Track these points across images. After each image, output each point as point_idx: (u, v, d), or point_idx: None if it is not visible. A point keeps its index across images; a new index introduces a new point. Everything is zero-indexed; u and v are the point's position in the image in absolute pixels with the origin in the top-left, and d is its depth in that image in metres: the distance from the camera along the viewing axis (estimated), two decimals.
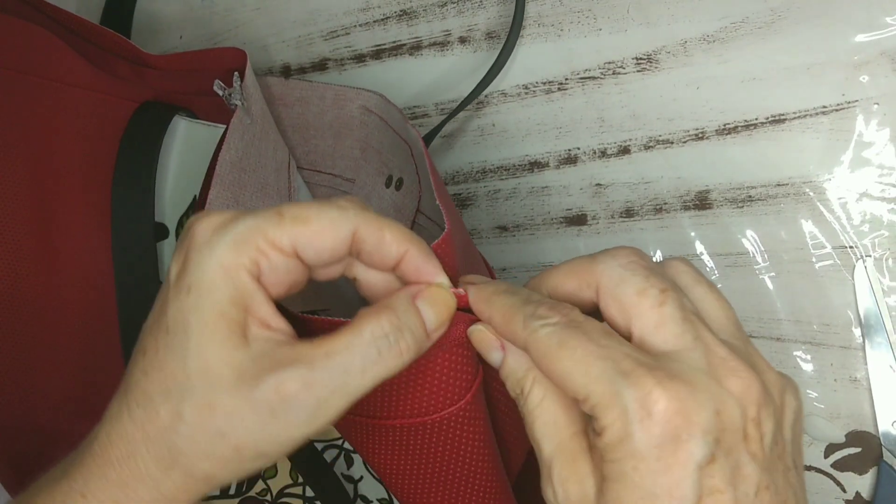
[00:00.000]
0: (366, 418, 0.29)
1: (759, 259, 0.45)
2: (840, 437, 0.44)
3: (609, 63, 0.47)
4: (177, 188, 0.41)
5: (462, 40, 0.50)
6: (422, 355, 0.27)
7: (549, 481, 0.24)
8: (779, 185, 0.44)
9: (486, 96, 0.50)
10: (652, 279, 0.24)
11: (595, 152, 0.48)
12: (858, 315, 0.43)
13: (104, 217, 0.40)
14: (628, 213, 0.47)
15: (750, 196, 0.45)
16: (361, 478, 0.43)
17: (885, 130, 0.42)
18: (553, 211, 0.49)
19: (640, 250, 0.25)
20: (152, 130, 0.41)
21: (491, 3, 0.49)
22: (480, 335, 0.26)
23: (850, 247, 0.43)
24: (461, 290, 0.27)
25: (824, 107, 0.43)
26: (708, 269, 0.46)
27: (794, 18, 0.43)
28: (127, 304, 0.39)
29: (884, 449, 0.42)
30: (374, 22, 0.52)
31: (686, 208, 0.46)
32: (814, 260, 0.44)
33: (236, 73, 0.36)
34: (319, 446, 0.43)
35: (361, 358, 0.23)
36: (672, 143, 0.46)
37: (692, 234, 0.46)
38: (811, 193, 0.43)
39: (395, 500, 0.43)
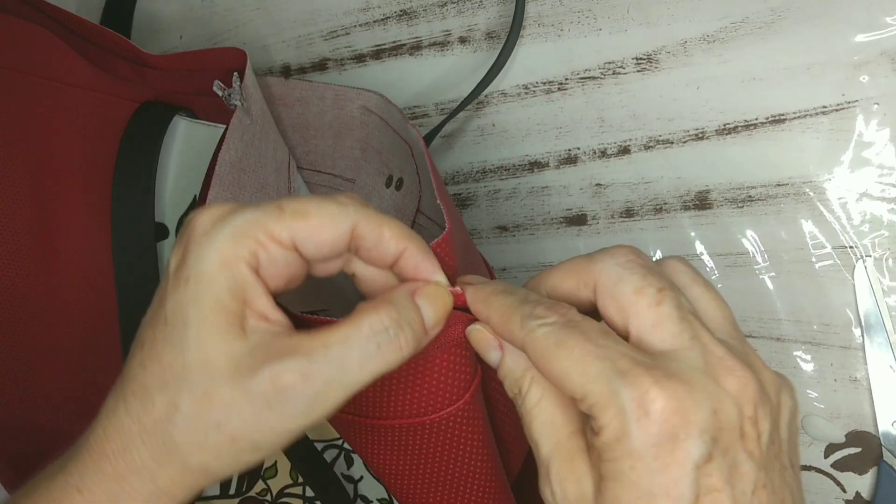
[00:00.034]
0: (365, 418, 0.29)
1: (759, 259, 0.45)
2: (840, 437, 0.44)
3: (609, 63, 0.47)
4: (177, 188, 0.41)
5: (462, 40, 0.50)
6: (421, 355, 0.27)
7: (548, 481, 0.24)
8: (779, 185, 0.44)
9: (486, 96, 0.50)
10: (649, 278, 0.24)
11: (595, 152, 0.48)
12: (858, 315, 0.43)
13: (104, 217, 0.40)
14: (628, 213, 0.47)
15: (750, 196, 0.45)
16: (361, 478, 0.43)
17: (885, 130, 0.42)
18: (553, 211, 0.49)
19: (638, 249, 0.25)
20: (152, 130, 0.41)
21: (491, 3, 0.49)
22: (479, 335, 0.27)
23: (850, 247, 0.43)
24: (458, 289, 0.27)
25: (824, 107, 0.43)
26: (708, 269, 0.46)
27: (794, 18, 0.43)
28: (127, 304, 0.39)
29: (884, 449, 0.42)
30: (374, 22, 0.52)
31: (686, 208, 0.46)
32: (814, 260, 0.44)
33: (236, 73, 0.36)
34: (319, 446, 0.43)
35: (360, 351, 0.23)
36: (672, 143, 0.46)
37: (692, 234, 0.46)
38: (811, 193, 0.43)
39: (394, 501, 0.43)
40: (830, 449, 0.44)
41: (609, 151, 0.48)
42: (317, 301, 0.34)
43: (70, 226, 0.40)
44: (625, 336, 0.24)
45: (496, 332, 0.26)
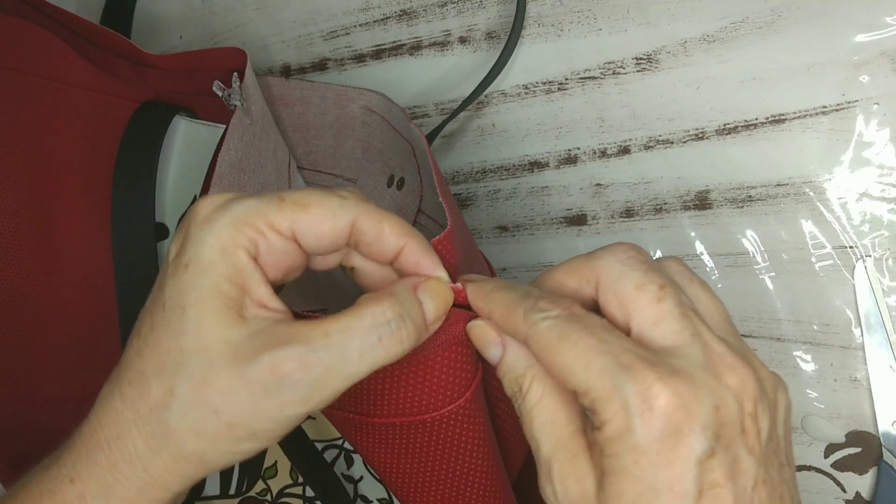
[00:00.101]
0: (365, 417, 0.29)
1: (759, 259, 0.45)
2: (840, 437, 0.44)
3: (609, 63, 0.47)
4: (177, 188, 0.41)
5: (462, 40, 0.50)
6: (422, 353, 0.27)
7: (549, 480, 0.24)
8: (779, 185, 0.44)
9: (486, 96, 0.50)
10: (651, 274, 0.24)
11: (595, 152, 0.48)
12: (858, 315, 0.43)
13: (104, 217, 0.40)
14: (628, 213, 0.48)
15: (750, 196, 0.45)
16: (361, 478, 0.43)
17: (885, 130, 0.42)
18: (553, 211, 0.49)
19: (639, 246, 0.25)
20: (152, 130, 0.41)
21: (491, 3, 0.49)
22: (480, 330, 0.26)
23: (850, 247, 0.43)
24: (459, 286, 0.27)
25: (824, 107, 0.43)
26: (708, 269, 0.46)
27: (794, 18, 0.43)
28: (127, 305, 0.39)
29: (884, 449, 0.42)
30: (374, 22, 0.52)
31: (686, 208, 0.46)
32: (814, 260, 0.44)
33: (235, 73, 0.36)
34: (320, 446, 0.43)
35: (360, 341, 0.23)
36: (672, 143, 0.46)
37: (692, 234, 0.46)
38: (811, 193, 0.43)
39: (395, 500, 0.43)
40: (830, 449, 0.44)
41: (609, 151, 0.48)
42: (317, 300, 0.34)
43: (70, 226, 0.40)
44: (626, 332, 0.24)
45: (498, 328, 0.26)
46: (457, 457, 0.30)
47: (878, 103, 0.42)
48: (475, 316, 0.27)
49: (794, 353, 0.44)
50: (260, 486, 0.43)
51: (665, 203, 0.47)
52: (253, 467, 0.43)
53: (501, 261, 0.51)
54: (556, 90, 0.48)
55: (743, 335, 0.44)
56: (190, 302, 0.23)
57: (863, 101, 0.42)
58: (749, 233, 0.45)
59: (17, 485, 0.25)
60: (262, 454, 0.43)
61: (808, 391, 0.44)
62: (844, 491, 0.44)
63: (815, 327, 0.44)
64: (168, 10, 0.58)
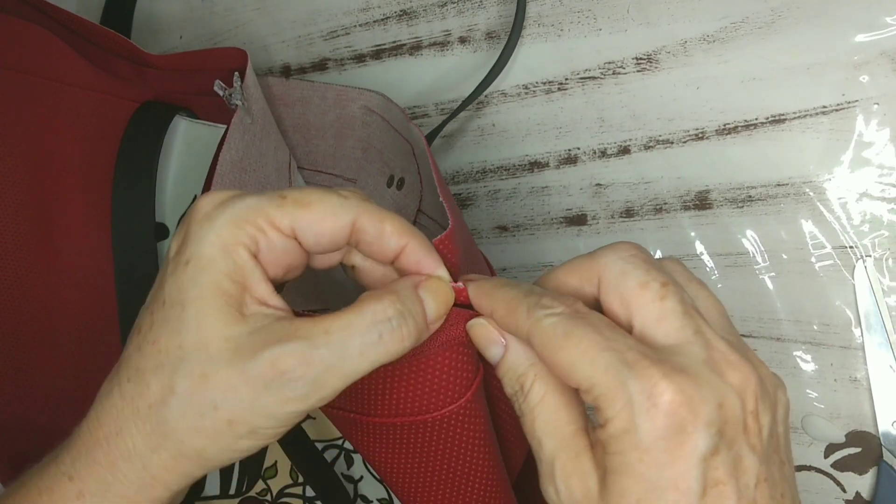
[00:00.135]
0: (366, 416, 0.29)
1: (759, 259, 0.45)
2: (840, 437, 0.44)
3: (609, 63, 0.47)
4: (177, 188, 0.41)
5: (462, 40, 0.50)
6: (423, 353, 0.27)
7: (551, 479, 0.24)
8: (779, 185, 0.44)
9: (486, 96, 0.50)
10: (653, 272, 0.24)
11: (595, 152, 0.48)
12: (858, 315, 0.43)
13: (104, 217, 0.40)
14: (628, 213, 0.48)
15: (750, 196, 0.45)
16: (361, 478, 0.43)
17: (885, 130, 0.42)
18: (553, 211, 0.49)
19: (640, 245, 0.25)
20: (153, 130, 0.41)
21: (491, 3, 0.49)
22: (481, 329, 0.26)
23: (850, 247, 0.43)
24: (460, 285, 0.27)
25: (824, 107, 0.43)
26: (708, 269, 0.46)
27: (794, 18, 0.43)
28: (127, 305, 0.39)
29: (884, 449, 0.42)
30: (374, 22, 0.52)
31: (686, 208, 0.46)
32: (814, 260, 0.44)
33: (237, 72, 0.36)
34: (320, 446, 0.43)
35: (361, 339, 0.23)
36: (672, 143, 0.46)
37: (692, 234, 0.46)
38: (811, 193, 0.43)
39: (395, 500, 0.43)
40: (830, 449, 0.44)
41: (609, 151, 0.48)
42: (318, 300, 0.34)
43: (70, 226, 0.40)
44: (628, 330, 0.24)
45: (500, 325, 0.26)
46: (457, 457, 0.30)
47: (878, 103, 0.42)
48: (476, 316, 0.27)
49: (794, 353, 0.44)
50: (260, 485, 0.43)
51: (665, 203, 0.47)
52: (253, 467, 0.43)
53: (501, 261, 0.51)
54: (556, 90, 0.48)
55: (743, 335, 0.44)
56: (190, 299, 0.23)
57: (863, 101, 0.42)
58: (749, 233, 0.45)
59: (16, 483, 0.25)
60: (262, 454, 0.43)
61: (808, 391, 0.44)
62: (844, 491, 0.44)
63: (815, 327, 0.44)
64: (168, 10, 0.58)
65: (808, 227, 0.44)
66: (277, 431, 0.23)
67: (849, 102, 0.42)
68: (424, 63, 0.51)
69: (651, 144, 0.47)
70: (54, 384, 0.40)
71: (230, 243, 0.23)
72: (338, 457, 0.43)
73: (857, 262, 0.43)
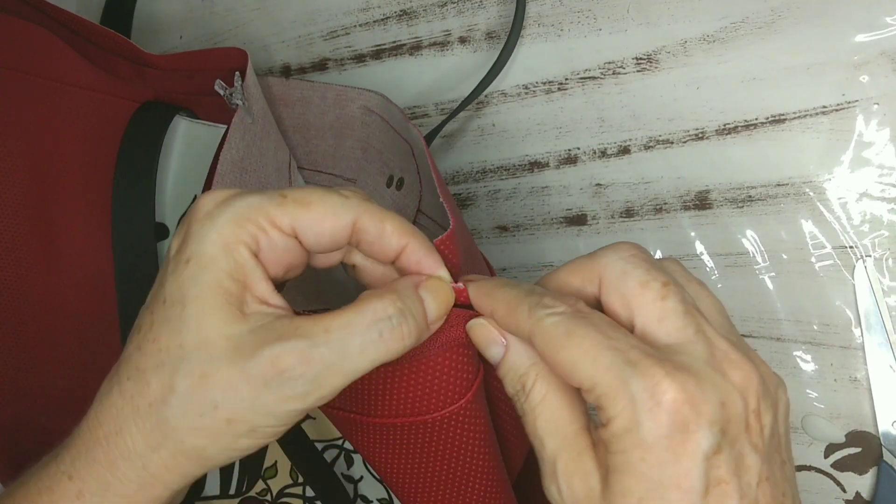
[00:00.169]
0: (366, 417, 0.29)
1: (759, 259, 0.45)
2: (840, 437, 0.44)
3: (609, 63, 0.47)
4: (177, 188, 0.41)
5: (462, 40, 0.50)
6: (423, 355, 0.27)
7: (553, 478, 0.24)
8: (779, 185, 0.44)
9: (486, 96, 0.50)
10: (654, 272, 0.24)
11: (595, 152, 0.48)
12: (858, 315, 0.43)
13: (104, 217, 0.40)
14: (628, 213, 0.48)
15: (750, 196, 0.45)
16: (361, 478, 0.43)
17: (885, 130, 0.42)
18: (553, 211, 0.49)
19: (640, 245, 0.25)
20: (153, 130, 0.41)
21: (491, 3, 0.49)
22: (482, 329, 0.26)
23: (850, 247, 0.43)
24: (460, 285, 0.27)
25: (824, 107, 0.43)
26: (708, 269, 0.46)
27: (794, 18, 0.43)
28: (127, 304, 0.39)
29: (884, 449, 0.42)
30: (374, 22, 0.52)
31: (686, 208, 0.46)
32: (814, 260, 0.44)
33: (237, 72, 0.36)
34: (320, 446, 0.43)
35: (361, 337, 0.23)
36: (672, 143, 0.46)
37: (692, 234, 0.46)
38: (811, 193, 0.43)
39: (395, 500, 0.43)
40: (830, 449, 0.44)
41: (609, 151, 0.48)
42: (319, 300, 0.34)
43: (70, 226, 0.40)
44: (629, 329, 0.24)
45: (501, 325, 0.26)
46: (457, 457, 0.30)
47: (878, 103, 0.42)
48: (477, 316, 0.27)
49: (794, 353, 0.44)
50: (260, 485, 0.43)
51: (665, 203, 0.47)
52: (253, 467, 0.43)
53: (501, 261, 0.51)
54: (556, 90, 0.48)
55: (743, 335, 0.44)
56: (190, 297, 0.23)
57: (863, 101, 0.42)
58: (749, 233, 0.45)
59: (16, 482, 0.25)
60: (262, 454, 0.43)
61: (808, 391, 0.44)
62: (844, 491, 0.44)
63: (815, 327, 0.44)
64: (168, 10, 0.58)
65: (808, 227, 0.44)
66: (277, 430, 0.23)
67: (849, 102, 0.42)
68: (424, 63, 0.51)
69: (651, 144, 0.47)
70: (54, 384, 0.40)
71: (231, 242, 0.23)
72: (338, 457, 0.43)
73: (857, 262, 0.43)
